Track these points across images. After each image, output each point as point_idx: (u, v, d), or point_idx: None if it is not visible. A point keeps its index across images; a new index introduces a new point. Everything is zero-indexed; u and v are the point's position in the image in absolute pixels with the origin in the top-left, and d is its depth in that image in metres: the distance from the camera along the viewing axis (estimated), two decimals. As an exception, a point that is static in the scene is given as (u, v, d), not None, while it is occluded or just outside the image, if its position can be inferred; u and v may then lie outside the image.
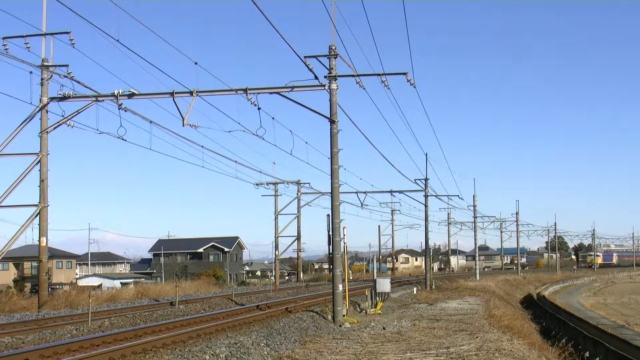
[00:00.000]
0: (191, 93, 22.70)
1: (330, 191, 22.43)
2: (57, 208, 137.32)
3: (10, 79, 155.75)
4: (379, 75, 22.78)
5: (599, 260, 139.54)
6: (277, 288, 47.26)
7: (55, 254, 72.95)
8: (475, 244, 69.33)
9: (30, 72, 26.57)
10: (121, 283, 72.39)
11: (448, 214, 79.51)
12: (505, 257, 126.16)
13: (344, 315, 21.62)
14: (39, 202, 27.94)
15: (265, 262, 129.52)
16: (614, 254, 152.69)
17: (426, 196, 47.08)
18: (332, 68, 21.80)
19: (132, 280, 79.18)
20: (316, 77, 21.27)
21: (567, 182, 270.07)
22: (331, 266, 23.30)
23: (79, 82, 25.50)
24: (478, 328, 18.92)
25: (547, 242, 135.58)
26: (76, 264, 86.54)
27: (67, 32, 27.10)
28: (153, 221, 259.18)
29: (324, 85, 21.69)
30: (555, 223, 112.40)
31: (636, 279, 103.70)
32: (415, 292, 39.00)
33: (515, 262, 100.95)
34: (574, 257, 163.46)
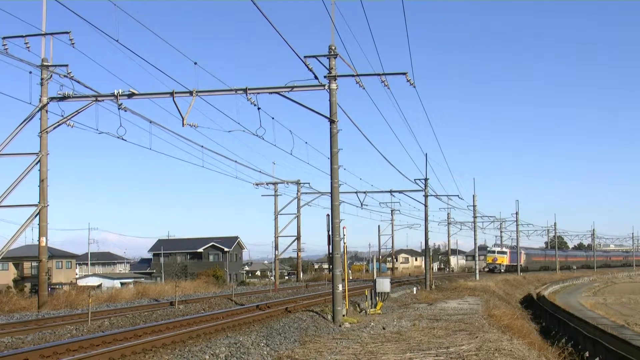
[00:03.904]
0: (191, 93, 22.71)
1: (330, 191, 22.44)
2: (57, 208, 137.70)
3: (10, 79, 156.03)
4: (378, 75, 22.77)
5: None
6: (277, 288, 47.24)
7: (55, 254, 72.96)
8: (475, 243, 69.31)
9: (30, 72, 26.62)
10: (121, 283, 72.36)
11: (448, 214, 79.40)
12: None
13: (343, 315, 21.62)
14: (39, 202, 27.94)
15: (265, 262, 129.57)
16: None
17: (426, 196, 47.06)
18: (332, 68, 21.80)
19: (132, 280, 79.15)
20: (316, 77, 21.28)
21: (567, 182, 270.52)
22: (331, 266, 23.31)
23: (78, 82, 25.56)
24: (478, 328, 18.91)
25: (546, 242, 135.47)
26: (76, 264, 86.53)
27: (67, 32, 27.09)
28: (153, 221, 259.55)
29: (324, 85, 21.70)
30: (555, 223, 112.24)
31: (636, 279, 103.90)
32: (415, 292, 38.99)
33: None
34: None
